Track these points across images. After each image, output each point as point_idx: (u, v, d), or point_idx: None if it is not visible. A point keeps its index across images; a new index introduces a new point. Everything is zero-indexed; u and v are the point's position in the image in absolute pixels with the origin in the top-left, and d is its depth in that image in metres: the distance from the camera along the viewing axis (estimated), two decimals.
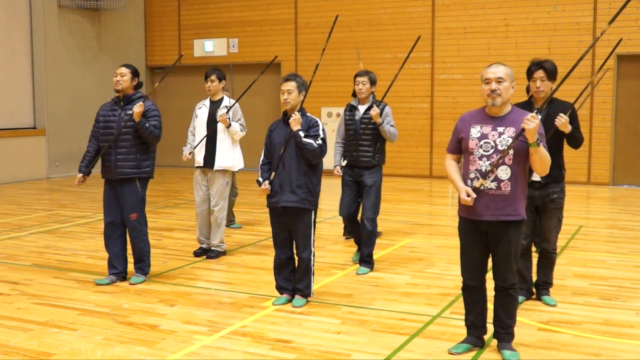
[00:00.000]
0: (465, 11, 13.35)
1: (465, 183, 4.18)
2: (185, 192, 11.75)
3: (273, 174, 5.20)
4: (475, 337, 4.42)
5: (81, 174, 5.93)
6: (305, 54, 14.50)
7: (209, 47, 15.56)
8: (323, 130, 5.24)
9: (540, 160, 4.07)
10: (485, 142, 4.13)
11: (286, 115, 5.27)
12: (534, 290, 5.47)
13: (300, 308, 5.20)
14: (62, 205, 10.49)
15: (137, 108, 5.66)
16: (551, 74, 5.19)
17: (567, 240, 7.77)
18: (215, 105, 6.92)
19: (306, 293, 5.32)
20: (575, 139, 5.17)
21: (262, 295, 5.59)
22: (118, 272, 5.96)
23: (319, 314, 5.10)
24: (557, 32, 12.69)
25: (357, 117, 6.36)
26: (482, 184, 4.12)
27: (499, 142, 4.09)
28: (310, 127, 5.20)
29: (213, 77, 6.87)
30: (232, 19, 15.43)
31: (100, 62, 15.22)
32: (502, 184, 4.09)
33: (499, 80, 4.11)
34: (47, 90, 13.99)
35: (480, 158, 4.12)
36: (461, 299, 5.45)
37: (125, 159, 5.76)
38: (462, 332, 4.69)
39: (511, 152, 4.06)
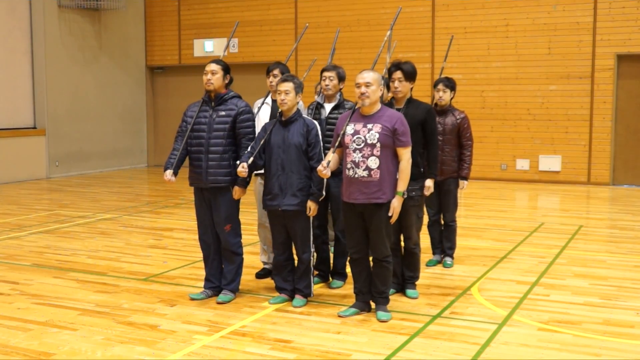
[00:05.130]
0: (465, 11, 13.35)
1: (343, 172, 4.95)
2: (185, 192, 11.73)
3: (251, 158, 5.08)
4: (362, 302, 5.07)
5: (170, 170, 5.35)
6: (306, 54, 14.49)
7: (209, 47, 15.56)
8: (318, 134, 5.20)
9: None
10: (357, 137, 4.83)
11: (282, 116, 5.23)
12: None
13: (300, 308, 5.20)
14: (62, 205, 10.50)
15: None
16: (408, 75, 5.41)
17: (567, 240, 7.78)
18: (277, 104, 5.79)
19: (306, 293, 5.32)
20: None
21: (262, 295, 5.59)
22: (215, 286, 5.51)
23: (319, 314, 5.10)
24: (557, 32, 12.68)
25: (322, 117, 5.74)
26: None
27: (368, 136, 4.80)
28: (309, 130, 5.15)
29: (276, 71, 5.88)
30: (232, 19, 15.42)
31: (100, 62, 15.22)
32: (372, 172, 4.80)
33: (367, 85, 4.81)
34: (47, 90, 13.98)
35: (354, 151, 4.83)
36: (461, 298, 5.50)
37: (217, 165, 5.24)
38: (462, 332, 4.70)
39: (378, 145, 4.78)
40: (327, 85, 5.71)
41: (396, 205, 4.85)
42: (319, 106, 5.81)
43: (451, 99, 6.53)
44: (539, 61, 12.82)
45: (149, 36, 16.38)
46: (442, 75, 6.71)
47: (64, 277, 6.20)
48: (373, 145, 4.78)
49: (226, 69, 5.33)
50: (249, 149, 5.24)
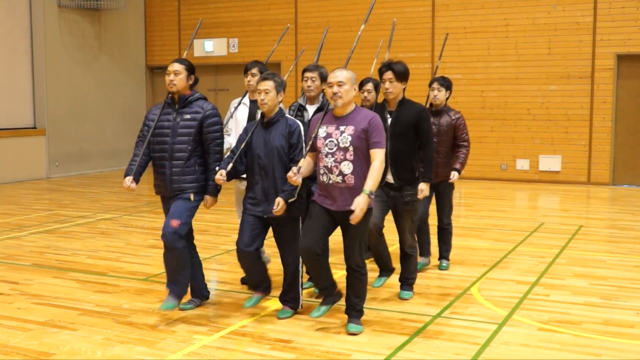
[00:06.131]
0: (465, 11, 13.35)
1: (317, 178, 4.66)
2: None
3: (231, 165, 4.78)
4: (330, 297, 4.87)
5: (130, 177, 5.00)
6: (305, 53, 14.48)
7: (209, 47, 15.57)
8: (301, 134, 4.88)
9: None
10: (329, 141, 4.56)
11: (264, 118, 4.93)
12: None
13: (287, 318, 5.06)
14: (62, 205, 10.50)
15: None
16: (400, 75, 5.18)
17: (567, 240, 7.78)
18: (255, 104, 5.67)
19: (294, 305, 5.12)
20: (425, 146, 5.25)
21: None
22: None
23: None
24: (557, 32, 12.69)
25: (305, 119, 5.41)
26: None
27: (341, 140, 4.52)
28: (291, 132, 4.82)
29: (254, 70, 5.69)
30: (232, 19, 15.43)
31: (100, 62, 15.22)
32: (346, 178, 4.51)
33: (340, 84, 4.52)
34: (47, 90, 13.99)
35: (326, 155, 4.56)
36: (461, 298, 5.50)
37: (182, 172, 4.93)
38: (462, 332, 4.71)
39: (351, 148, 4.49)
40: (309, 87, 5.38)
41: (361, 204, 4.35)
42: (301, 108, 5.50)
43: (447, 98, 6.33)
44: (539, 61, 12.83)
45: (149, 36, 16.38)
46: (440, 75, 6.64)
47: (64, 277, 6.20)
48: (346, 149, 4.48)
49: (190, 68, 4.99)
50: (229, 154, 4.96)
